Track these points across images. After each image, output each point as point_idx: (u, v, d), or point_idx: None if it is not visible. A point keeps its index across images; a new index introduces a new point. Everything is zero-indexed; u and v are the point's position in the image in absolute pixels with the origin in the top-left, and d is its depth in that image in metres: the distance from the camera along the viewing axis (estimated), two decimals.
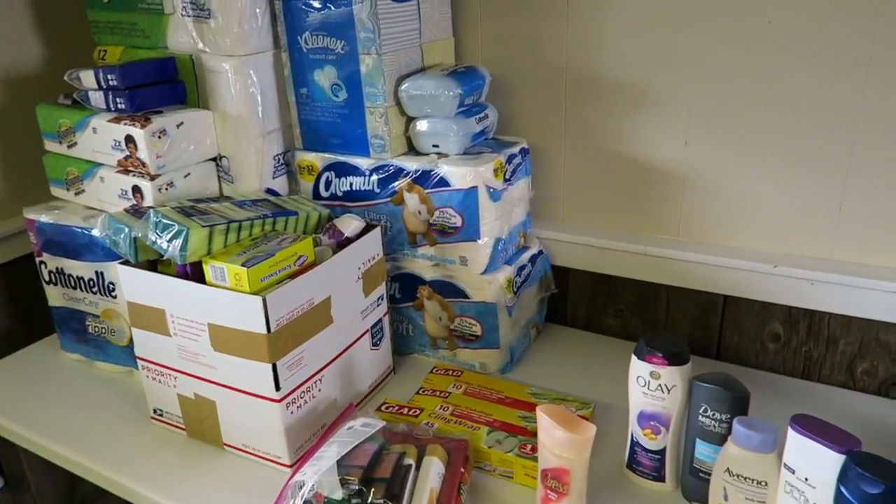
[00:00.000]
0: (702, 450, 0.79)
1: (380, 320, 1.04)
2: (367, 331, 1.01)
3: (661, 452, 0.82)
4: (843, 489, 0.62)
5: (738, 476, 0.71)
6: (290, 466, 0.89)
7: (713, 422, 0.77)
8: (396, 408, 0.97)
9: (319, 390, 0.92)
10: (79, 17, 1.20)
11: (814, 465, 0.65)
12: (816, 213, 0.99)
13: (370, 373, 1.03)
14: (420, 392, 1.01)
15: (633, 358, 0.81)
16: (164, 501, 0.87)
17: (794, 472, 0.67)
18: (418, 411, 0.95)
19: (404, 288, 1.10)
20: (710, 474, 0.76)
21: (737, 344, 1.10)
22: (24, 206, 1.11)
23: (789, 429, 0.66)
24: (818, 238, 1.00)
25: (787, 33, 0.93)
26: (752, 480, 0.71)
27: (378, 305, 1.03)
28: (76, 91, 1.06)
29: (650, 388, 0.80)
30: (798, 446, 0.66)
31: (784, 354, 1.07)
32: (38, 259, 1.12)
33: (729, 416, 0.75)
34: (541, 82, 1.13)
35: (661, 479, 0.84)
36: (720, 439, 0.76)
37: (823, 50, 0.91)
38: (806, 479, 0.65)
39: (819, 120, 0.94)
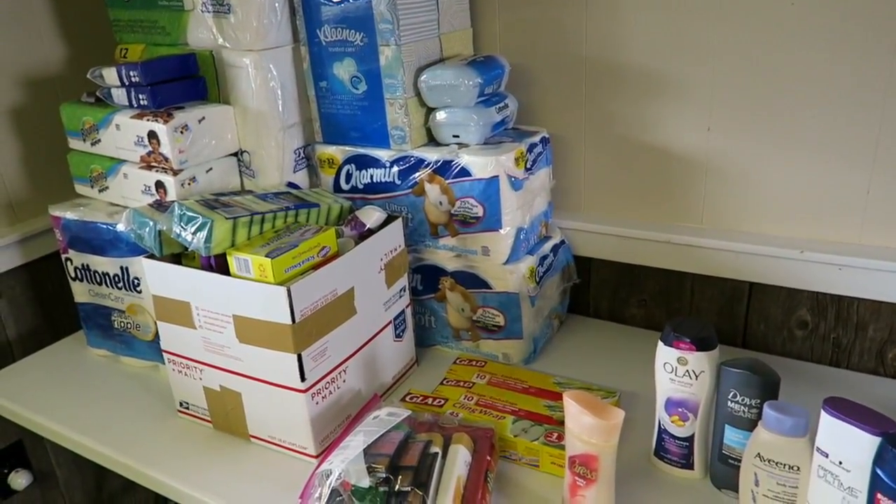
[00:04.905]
0: (731, 436, 0.78)
1: (402, 312, 1.04)
2: (390, 322, 1.01)
3: (690, 439, 0.81)
4: (879, 472, 0.61)
5: (769, 461, 0.70)
6: (316, 457, 0.89)
7: (742, 407, 0.76)
8: (421, 398, 0.97)
9: (344, 381, 0.92)
10: (100, 16, 1.21)
11: (848, 449, 0.63)
12: (843, 197, 0.97)
13: (393, 364, 1.03)
14: (444, 382, 1.01)
15: (660, 344, 0.80)
16: (193, 493, 0.88)
17: (827, 456, 0.65)
18: (443, 401, 0.95)
19: (426, 280, 1.10)
20: (739, 461, 0.75)
21: (763, 332, 1.09)
22: (50, 205, 1.13)
23: (822, 412, 0.65)
24: (846, 223, 0.98)
25: (811, 15, 0.91)
26: (784, 465, 0.70)
27: (400, 297, 1.03)
28: (99, 89, 1.07)
29: (677, 374, 0.79)
30: (831, 429, 0.65)
31: (812, 341, 1.05)
32: (63, 256, 1.14)
33: (759, 401, 0.74)
34: (560, 71, 1.12)
35: (689, 466, 0.83)
36: (750, 425, 0.75)
37: (848, 31, 0.90)
38: (840, 463, 0.64)
39: (844, 103, 0.93)
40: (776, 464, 0.70)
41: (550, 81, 1.14)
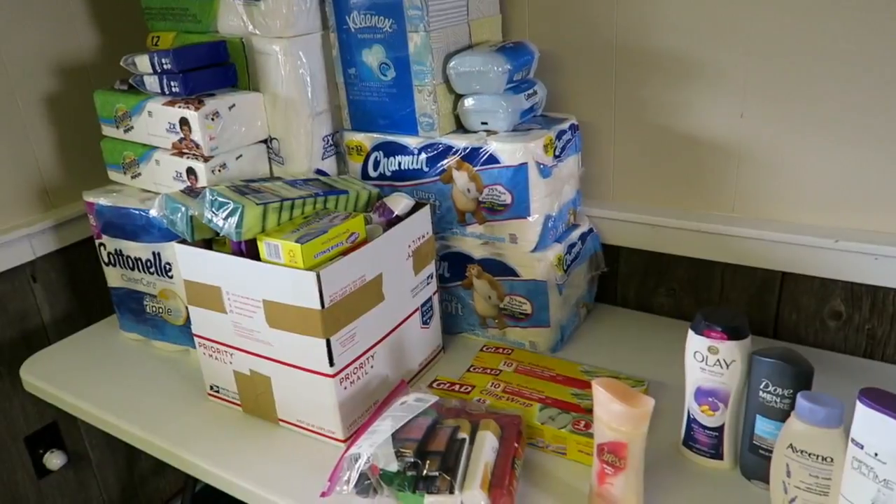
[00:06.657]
0: (762, 426, 0.77)
1: (429, 299, 1.04)
2: (417, 309, 1.01)
3: (719, 429, 0.81)
4: None
5: (801, 452, 0.70)
6: (344, 441, 0.90)
7: (775, 397, 0.75)
8: (448, 385, 0.97)
9: (372, 367, 0.92)
10: (132, 4, 1.22)
11: (885, 440, 0.62)
12: (880, 184, 0.95)
13: (420, 351, 1.04)
14: (471, 370, 1.01)
15: (691, 332, 0.79)
16: (222, 474, 0.89)
17: (862, 448, 0.64)
18: (470, 388, 0.96)
19: (453, 267, 1.10)
20: (770, 451, 0.74)
21: (795, 322, 1.07)
22: (84, 191, 1.15)
23: (858, 402, 0.64)
24: (882, 211, 0.96)
25: None
26: (817, 457, 0.69)
27: (427, 284, 1.03)
28: (132, 76, 1.08)
29: (708, 363, 0.78)
30: (867, 420, 0.64)
31: (845, 332, 1.03)
32: (97, 241, 1.16)
33: (791, 391, 0.73)
34: (590, 57, 1.11)
35: (718, 456, 0.82)
36: (782, 415, 0.74)
37: (887, 17, 0.87)
38: (876, 455, 0.63)
39: (881, 89, 0.91)
40: (809, 455, 0.69)
41: (580, 68, 1.12)
